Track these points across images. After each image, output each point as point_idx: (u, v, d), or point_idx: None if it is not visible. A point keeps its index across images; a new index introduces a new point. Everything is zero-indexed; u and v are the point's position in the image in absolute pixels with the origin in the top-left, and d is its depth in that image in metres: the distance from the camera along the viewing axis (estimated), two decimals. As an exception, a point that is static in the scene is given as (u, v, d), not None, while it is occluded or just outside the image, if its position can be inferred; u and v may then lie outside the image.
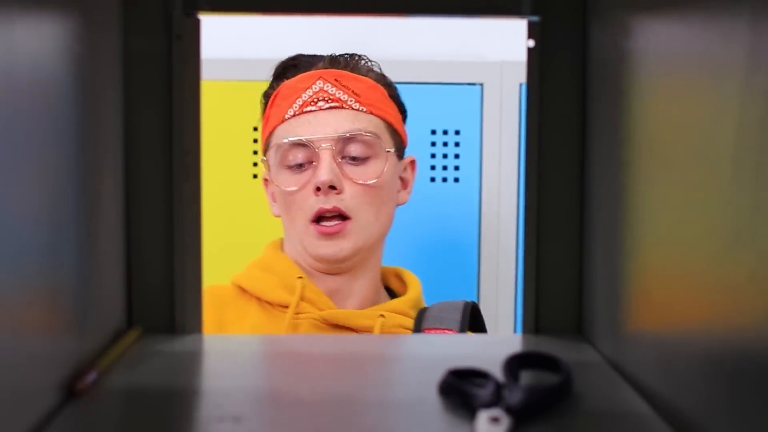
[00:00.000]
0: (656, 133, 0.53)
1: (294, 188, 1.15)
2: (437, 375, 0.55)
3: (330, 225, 1.14)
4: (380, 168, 1.16)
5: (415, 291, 1.25)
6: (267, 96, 1.24)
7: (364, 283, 1.21)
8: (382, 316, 1.16)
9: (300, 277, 1.17)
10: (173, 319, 0.70)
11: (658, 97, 0.53)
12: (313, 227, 1.15)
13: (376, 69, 1.23)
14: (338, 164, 1.14)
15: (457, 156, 1.77)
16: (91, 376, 0.55)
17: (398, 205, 1.25)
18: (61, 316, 0.54)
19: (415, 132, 1.72)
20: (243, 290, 1.21)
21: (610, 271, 0.63)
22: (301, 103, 1.16)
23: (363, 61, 1.22)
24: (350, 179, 1.14)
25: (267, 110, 1.22)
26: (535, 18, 0.69)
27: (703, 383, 0.45)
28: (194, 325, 0.70)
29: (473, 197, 1.78)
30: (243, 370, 0.61)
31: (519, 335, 0.72)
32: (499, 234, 1.79)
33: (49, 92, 0.51)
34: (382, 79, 1.22)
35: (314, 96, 1.16)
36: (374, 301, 1.22)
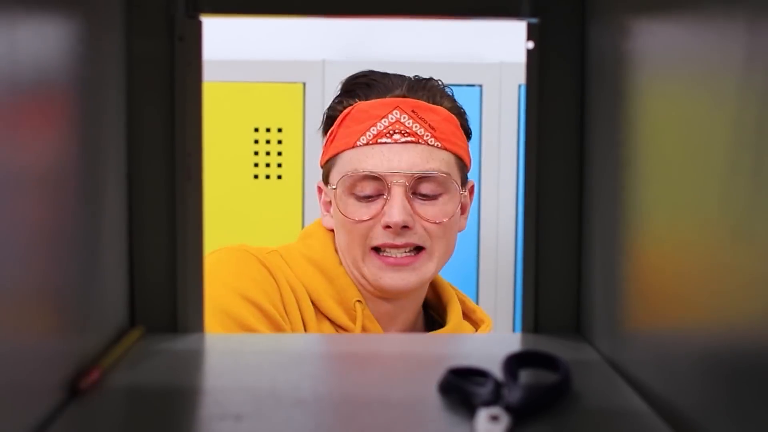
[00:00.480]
0: (654, 134, 0.53)
1: (364, 218, 1.12)
2: (437, 374, 0.55)
3: (400, 256, 1.12)
4: (451, 207, 1.14)
5: (455, 315, 1.21)
6: (334, 111, 1.18)
7: (412, 307, 1.20)
8: None
9: (359, 301, 1.14)
10: (175, 318, 0.70)
11: (656, 98, 0.53)
12: (375, 257, 1.13)
13: (449, 93, 1.19)
14: (409, 200, 1.11)
15: (456, 156, 1.77)
16: (94, 375, 0.55)
17: (459, 231, 1.22)
18: (64, 315, 0.54)
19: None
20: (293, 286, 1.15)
21: (609, 270, 0.63)
22: (375, 132, 1.12)
23: (438, 87, 1.18)
24: (421, 217, 1.12)
25: (334, 128, 1.17)
26: (534, 20, 0.69)
27: (700, 382, 0.45)
28: (196, 324, 0.70)
29: (473, 197, 1.78)
30: (244, 368, 0.61)
31: (518, 334, 0.72)
32: (498, 233, 1.79)
33: (52, 93, 0.51)
34: (455, 108, 1.18)
35: (390, 127, 1.12)
36: (414, 322, 1.20)
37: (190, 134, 0.69)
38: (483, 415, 0.48)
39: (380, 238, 1.12)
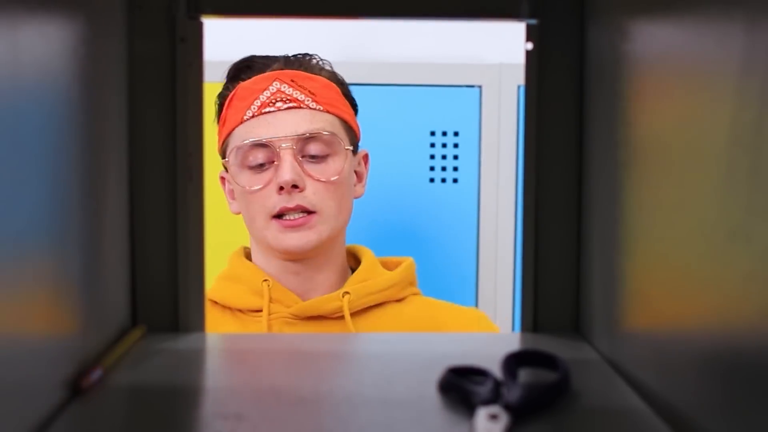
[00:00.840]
0: (652, 135, 0.53)
1: (257, 187, 1.16)
2: (437, 373, 0.56)
3: (294, 218, 1.16)
4: (340, 165, 1.18)
5: (368, 259, 1.25)
6: (222, 97, 1.24)
7: (329, 274, 1.23)
8: (347, 293, 1.18)
9: (265, 280, 1.19)
10: (177, 317, 0.70)
11: (654, 99, 0.53)
12: (275, 222, 1.16)
13: (327, 67, 1.24)
14: (299, 163, 1.15)
15: (455, 157, 1.77)
16: (96, 374, 0.55)
17: (355, 197, 1.26)
18: (66, 314, 0.54)
19: (414, 133, 1.73)
20: (215, 303, 1.22)
21: (607, 270, 0.63)
22: (259, 104, 1.17)
23: (315, 60, 1.23)
24: (311, 177, 1.16)
25: (223, 111, 1.22)
26: (533, 21, 0.69)
27: (698, 380, 0.45)
28: (197, 323, 0.70)
29: (472, 198, 1.78)
30: (245, 368, 0.61)
31: (517, 333, 0.72)
32: (498, 234, 1.79)
33: (54, 94, 0.51)
34: (334, 78, 1.23)
35: (272, 97, 1.17)
36: (336, 286, 1.23)
37: (191, 135, 0.69)
38: (482, 413, 0.48)
39: (277, 203, 1.15)
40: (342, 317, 1.17)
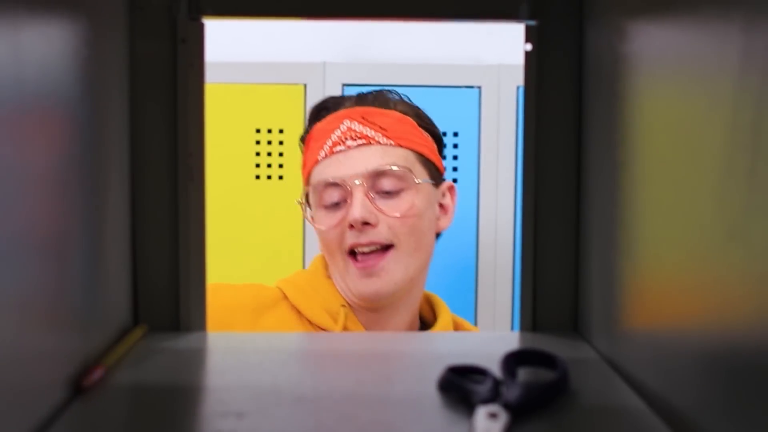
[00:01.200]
0: (651, 135, 0.53)
1: (332, 224, 1.14)
2: (437, 372, 0.56)
3: (367, 258, 1.13)
4: (412, 201, 1.15)
5: (444, 320, 1.22)
6: (302, 140, 1.23)
7: (403, 317, 1.20)
8: None
9: (344, 306, 1.17)
10: (178, 317, 0.70)
11: (652, 100, 0.53)
12: (352, 263, 1.14)
13: (404, 100, 1.21)
14: (371, 200, 1.13)
15: (455, 157, 1.77)
16: (98, 373, 0.55)
17: (439, 231, 1.23)
18: (68, 314, 0.54)
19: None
20: (286, 297, 1.20)
21: (606, 269, 0.63)
22: (330, 144, 1.15)
23: (390, 95, 1.20)
24: (383, 213, 1.13)
25: (304, 154, 1.22)
26: (532, 22, 0.69)
27: (696, 380, 0.45)
28: (198, 322, 0.70)
29: (471, 197, 1.78)
30: (246, 367, 0.61)
31: (516, 333, 0.72)
32: (497, 233, 1.79)
33: (56, 94, 0.51)
34: (410, 110, 1.20)
35: (342, 135, 1.15)
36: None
37: (192, 135, 0.69)
38: (482, 412, 0.48)
39: (349, 239, 1.14)
40: None
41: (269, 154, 1.79)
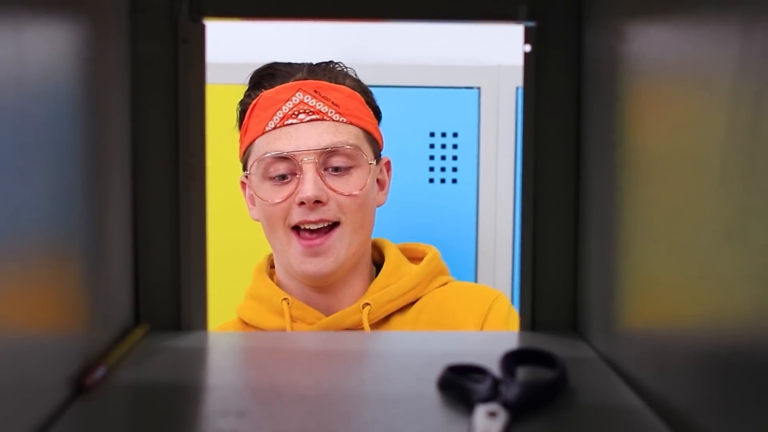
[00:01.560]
0: (649, 136, 0.53)
1: (278, 200, 1.13)
2: (436, 371, 0.56)
3: (313, 236, 1.13)
4: (363, 178, 1.15)
5: (390, 260, 1.21)
6: (244, 105, 1.21)
7: (354, 283, 1.19)
8: (367, 304, 1.14)
9: (285, 299, 1.16)
10: (179, 316, 0.70)
11: (650, 101, 0.53)
12: (295, 239, 1.13)
13: (352, 75, 1.21)
14: (321, 177, 1.12)
15: (455, 158, 1.77)
16: (100, 372, 0.55)
17: (378, 206, 1.23)
18: (71, 313, 0.54)
19: (414, 134, 1.73)
20: (246, 324, 1.20)
21: (604, 269, 0.63)
22: (281, 115, 1.13)
23: (339, 68, 1.19)
24: (334, 191, 1.13)
25: (246, 120, 1.19)
26: (531, 23, 0.69)
27: (694, 378, 0.45)
28: (199, 322, 0.70)
29: (471, 198, 1.78)
30: (247, 366, 0.61)
31: (516, 332, 0.72)
32: (496, 233, 1.79)
33: (58, 95, 0.51)
34: (358, 86, 1.20)
35: (295, 108, 1.13)
36: (365, 288, 1.20)
37: (193, 135, 0.69)
38: (481, 411, 0.48)
39: (296, 216, 1.12)
40: (362, 328, 1.14)
41: (270, 154, 1.79)
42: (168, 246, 0.69)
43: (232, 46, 1.77)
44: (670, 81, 0.50)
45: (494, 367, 0.55)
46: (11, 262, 0.43)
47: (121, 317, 0.66)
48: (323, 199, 1.12)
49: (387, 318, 1.17)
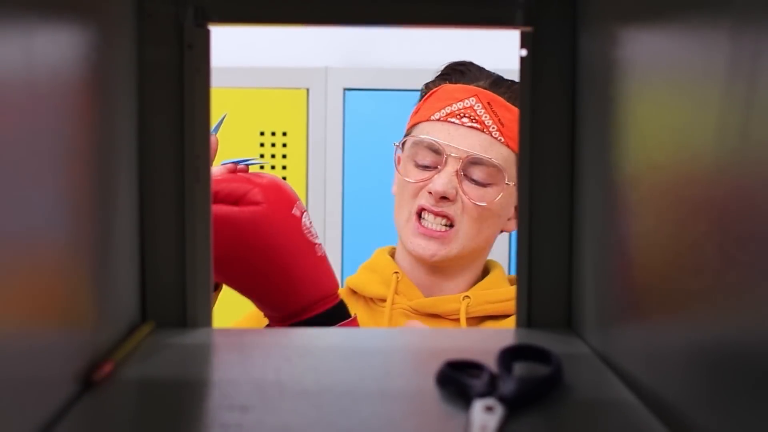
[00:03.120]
0: (642, 137, 0.53)
1: (416, 179, 1.16)
2: (435, 366, 0.56)
3: (433, 228, 1.16)
4: (495, 195, 1.16)
5: (496, 272, 1.25)
6: (427, 88, 1.24)
7: (459, 283, 1.22)
8: (467, 297, 1.17)
9: (396, 272, 1.19)
10: (184, 313, 0.70)
11: (643, 103, 0.53)
12: (415, 223, 1.17)
13: None
14: (458, 178, 1.14)
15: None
16: (107, 368, 0.56)
17: (505, 231, 1.24)
18: (79, 310, 0.54)
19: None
20: (353, 291, 1.22)
21: (599, 268, 0.63)
22: (449, 111, 1.16)
23: (515, 87, 1.20)
24: (465, 194, 1.15)
25: (421, 102, 1.22)
26: (527, 28, 0.69)
27: (685, 374, 0.46)
28: (204, 319, 0.71)
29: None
30: (250, 361, 0.61)
31: (512, 329, 0.72)
32: (494, 233, 1.78)
33: (67, 98, 0.51)
34: None
35: (463, 110, 1.16)
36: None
37: (198, 138, 0.69)
38: (478, 405, 0.48)
39: (423, 199, 1.16)
40: (458, 320, 1.17)
41: (273, 156, 1.80)
42: (173, 245, 0.69)
43: (237, 51, 1.78)
44: (662, 84, 0.50)
45: (491, 363, 0.55)
46: (22, 261, 0.43)
47: (128, 315, 0.66)
48: (451, 196, 1.14)
49: (484, 319, 1.19)
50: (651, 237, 0.51)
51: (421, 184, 1.16)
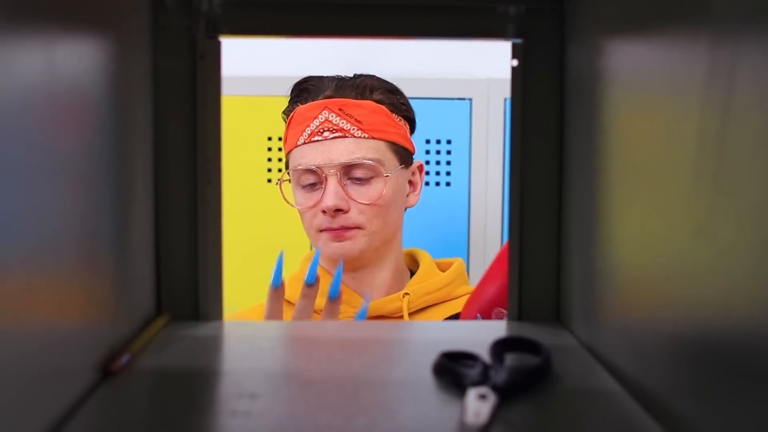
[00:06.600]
0: (626, 142, 0.53)
1: (309, 205, 1.17)
2: (431, 357, 0.56)
3: (339, 232, 1.16)
4: (381, 188, 1.16)
5: (425, 263, 1.25)
6: (285, 115, 1.24)
7: (386, 275, 1.22)
8: (407, 294, 1.18)
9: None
10: (197, 307, 0.70)
11: (627, 111, 0.53)
12: (325, 233, 1.17)
13: (382, 86, 1.21)
14: (343, 187, 1.15)
15: (448, 163, 1.77)
16: (124, 358, 0.55)
17: (408, 207, 1.25)
18: (98, 304, 0.54)
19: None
20: (289, 303, 1.21)
21: (585, 264, 0.63)
22: (309, 132, 1.17)
23: (367, 83, 1.20)
24: (354, 200, 1.15)
25: (285, 130, 1.23)
26: (518, 40, 0.69)
27: (667, 364, 0.46)
28: (216, 312, 0.71)
29: (463, 200, 1.78)
30: (259, 352, 0.61)
31: (504, 322, 0.72)
32: (486, 232, 1.79)
33: (86, 106, 0.51)
34: (386, 98, 1.20)
35: (320, 126, 1.16)
36: (400, 287, 1.23)
37: (210, 143, 0.69)
38: (472, 394, 0.48)
39: (321, 223, 1.17)
40: (401, 317, 1.17)
41: (280, 159, 1.79)
42: (187, 244, 0.69)
43: (246, 61, 1.78)
44: (645, 92, 0.50)
45: (484, 354, 0.55)
46: (47, 260, 0.43)
47: (144, 308, 0.66)
48: (344, 207, 1.15)
49: (422, 309, 1.20)
50: (634, 236, 0.51)
51: (315, 207, 1.17)
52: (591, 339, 0.61)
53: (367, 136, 1.16)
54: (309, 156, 1.16)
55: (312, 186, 1.17)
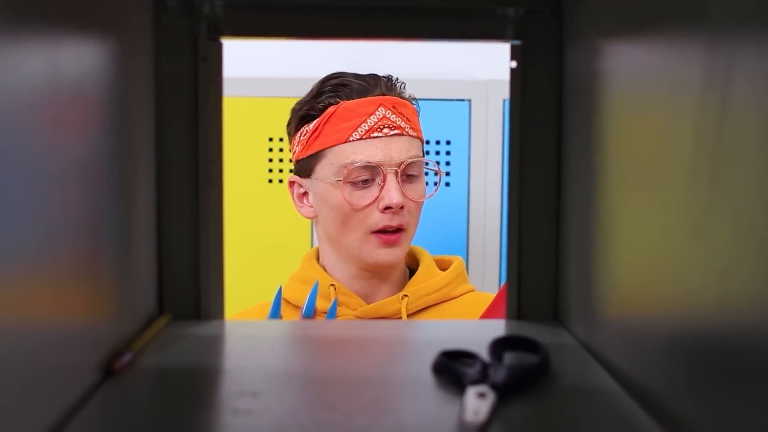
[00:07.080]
0: (623, 143, 0.53)
1: (365, 203, 1.14)
2: (431, 356, 0.56)
3: (392, 236, 1.15)
4: (424, 186, 1.19)
5: (425, 262, 1.24)
6: (314, 110, 1.18)
7: (392, 278, 1.22)
8: (406, 296, 1.17)
9: (332, 285, 1.17)
10: (199, 306, 0.70)
11: (625, 112, 0.53)
12: (375, 237, 1.15)
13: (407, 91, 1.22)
14: (401, 185, 1.14)
15: (448, 163, 1.77)
16: (127, 357, 0.56)
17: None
18: (100, 303, 0.54)
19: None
20: (288, 302, 1.20)
21: (583, 264, 0.63)
22: (367, 128, 1.14)
23: (401, 84, 1.21)
24: (408, 198, 1.15)
25: (319, 126, 1.16)
26: (517, 42, 0.69)
27: (664, 363, 0.46)
28: (217, 312, 0.71)
29: (462, 200, 1.78)
30: (260, 351, 0.61)
31: (503, 321, 0.72)
32: (485, 232, 1.79)
33: (89, 107, 0.51)
34: (414, 102, 1.22)
35: (379, 123, 1.14)
36: (399, 287, 1.23)
37: (211, 143, 0.69)
38: (471, 392, 0.48)
39: (380, 221, 1.14)
40: (400, 318, 1.16)
41: (281, 160, 1.79)
42: (189, 243, 0.69)
43: (247, 62, 1.78)
44: (642, 94, 0.50)
45: (483, 353, 0.55)
46: (49, 258, 0.43)
47: (146, 307, 0.66)
48: (404, 205, 1.14)
49: (423, 309, 1.19)
50: (632, 236, 0.51)
51: (373, 204, 1.14)
52: (589, 338, 0.61)
53: (415, 135, 1.17)
54: (367, 152, 1.13)
55: (363, 183, 1.14)
